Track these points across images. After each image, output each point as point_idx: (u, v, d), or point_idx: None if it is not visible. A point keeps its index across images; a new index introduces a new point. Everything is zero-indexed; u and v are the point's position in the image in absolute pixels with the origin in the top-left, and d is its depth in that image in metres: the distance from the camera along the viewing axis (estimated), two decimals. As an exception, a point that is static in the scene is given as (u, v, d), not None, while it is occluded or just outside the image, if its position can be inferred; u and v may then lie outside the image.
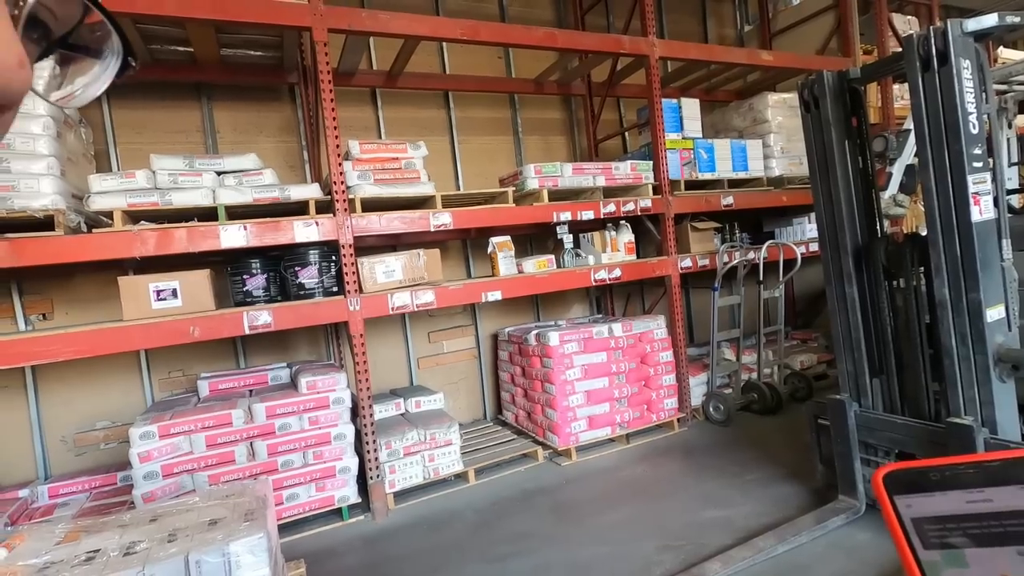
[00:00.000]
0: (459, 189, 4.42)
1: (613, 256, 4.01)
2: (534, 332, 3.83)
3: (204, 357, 3.71)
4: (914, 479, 0.29)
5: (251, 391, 3.36)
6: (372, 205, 3.25)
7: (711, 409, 4.08)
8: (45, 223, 2.56)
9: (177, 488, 2.76)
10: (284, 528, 2.87)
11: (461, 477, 3.44)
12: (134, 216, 2.83)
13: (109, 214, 2.74)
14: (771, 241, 4.22)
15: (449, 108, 4.54)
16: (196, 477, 2.79)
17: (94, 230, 2.70)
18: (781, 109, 4.65)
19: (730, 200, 4.24)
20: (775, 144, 4.62)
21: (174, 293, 2.83)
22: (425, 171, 3.41)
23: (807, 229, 4.82)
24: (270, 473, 2.88)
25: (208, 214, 2.95)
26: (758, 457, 3.32)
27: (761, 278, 4.06)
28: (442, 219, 3.30)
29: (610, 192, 3.98)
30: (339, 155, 3.05)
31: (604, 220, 4.00)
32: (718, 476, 3.17)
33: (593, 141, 4.93)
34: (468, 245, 4.57)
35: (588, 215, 3.76)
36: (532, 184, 3.65)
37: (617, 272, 3.81)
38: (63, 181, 2.65)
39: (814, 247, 4.40)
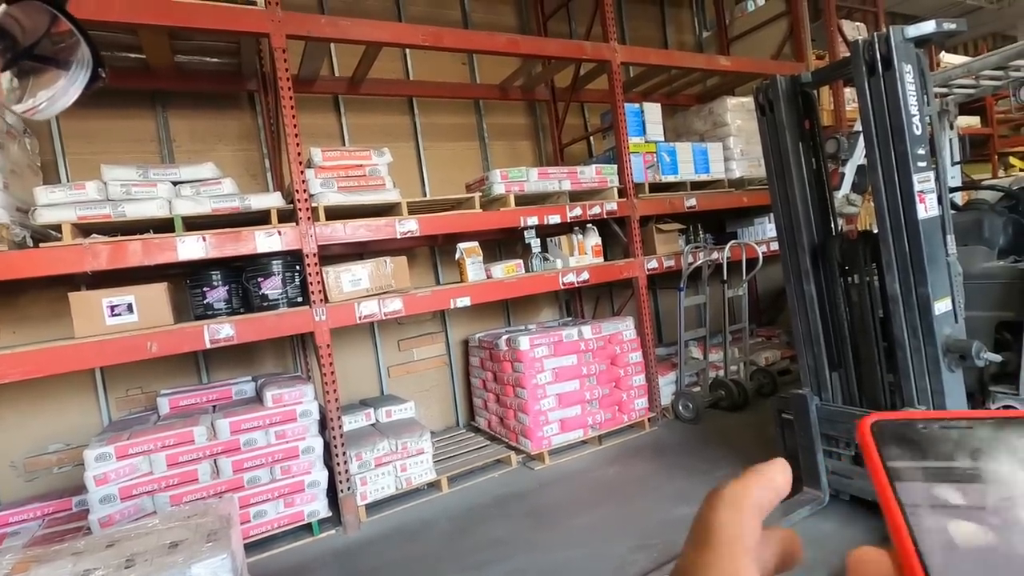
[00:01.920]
0: (426, 195, 4.40)
1: (581, 259, 4.05)
2: (504, 337, 3.83)
3: (164, 373, 3.59)
4: (900, 430, 0.29)
5: (214, 407, 3.26)
6: (336, 213, 3.21)
7: (680, 408, 4.14)
8: (-13, 238, 2.44)
9: (137, 511, 2.65)
10: (252, 546, 2.80)
11: (434, 486, 3.40)
12: (85, 229, 2.72)
13: (58, 227, 2.62)
14: (734, 241, 4.33)
15: (414, 114, 4.51)
16: (157, 499, 2.69)
17: (41, 244, 2.59)
18: (740, 112, 4.78)
19: (693, 202, 4.33)
20: (735, 147, 4.74)
21: (129, 308, 2.73)
22: (390, 178, 3.38)
23: (768, 229, 4.95)
24: (236, 491, 2.79)
25: (165, 226, 2.86)
26: (727, 453, 3.38)
27: (725, 277, 4.16)
28: (408, 226, 3.27)
29: (576, 196, 4.02)
30: (301, 163, 3.00)
31: (571, 224, 4.03)
32: (689, 474, 3.21)
33: (558, 146, 4.97)
34: (436, 252, 4.54)
35: (555, 219, 3.79)
36: (499, 189, 3.66)
37: (585, 275, 3.84)
38: (6, 194, 2.53)
39: (775, 246, 4.52)
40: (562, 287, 3.79)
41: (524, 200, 3.79)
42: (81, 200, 2.68)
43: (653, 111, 4.37)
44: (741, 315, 4.34)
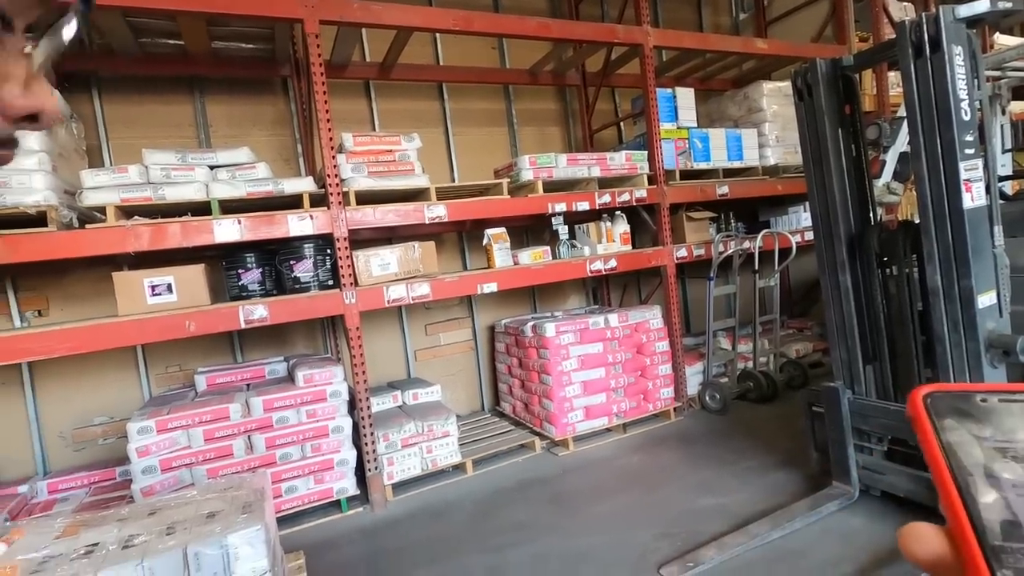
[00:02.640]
0: (454, 181, 4.41)
1: (609, 247, 4.02)
2: (531, 323, 3.84)
3: (201, 352, 3.72)
4: (956, 402, 0.26)
5: (248, 385, 3.37)
6: (366, 198, 3.25)
7: (707, 398, 4.10)
8: (37, 219, 2.55)
9: (176, 482, 2.77)
10: (283, 520, 2.89)
11: (459, 468, 3.46)
12: (127, 211, 2.82)
13: (102, 209, 2.73)
14: (766, 230, 4.23)
15: (443, 100, 4.52)
16: (195, 471, 2.80)
17: (87, 226, 2.69)
18: (776, 97, 4.64)
19: (725, 190, 4.24)
20: (770, 133, 4.61)
21: (169, 288, 2.83)
22: (419, 163, 3.40)
23: (803, 218, 4.82)
24: (268, 466, 2.89)
25: (202, 208, 2.94)
26: (754, 445, 3.34)
27: (756, 267, 4.07)
28: (436, 211, 3.29)
29: (605, 183, 3.98)
30: (333, 148, 3.04)
31: (599, 211, 4.00)
32: (714, 464, 3.19)
33: (588, 132, 4.91)
34: (464, 238, 4.56)
35: (583, 206, 3.76)
36: (527, 175, 3.64)
37: (613, 263, 3.81)
38: (55, 177, 2.64)
39: (810, 236, 4.40)
40: (589, 274, 3.77)
41: (552, 186, 3.77)
42: (124, 183, 2.78)
43: (686, 96, 4.28)
44: (772, 306, 4.25)
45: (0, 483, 3.18)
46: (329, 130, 3.01)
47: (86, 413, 3.47)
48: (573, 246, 3.95)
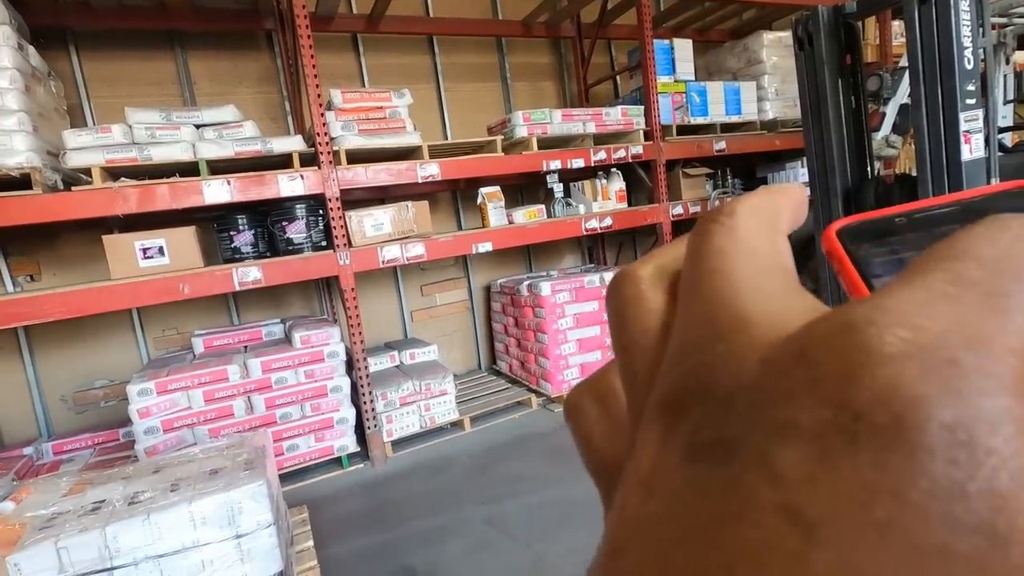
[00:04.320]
0: (447, 138, 4.33)
1: (604, 205, 3.98)
2: (526, 283, 3.85)
3: (198, 314, 3.72)
4: (876, 228, 0.24)
5: (246, 347, 3.38)
6: (358, 157, 3.18)
7: (701, 354, 4.15)
8: (22, 182, 2.50)
9: (178, 442, 2.82)
10: (286, 477, 2.96)
11: (457, 425, 3.53)
12: (113, 173, 2.77)
13: (87, 171, 2.67)
14: (764, 187, 4.19)
15: (434, 54, 4.38)
16: (196, 431, 2.85)
17: (73, 188, 2.65)
18: (776, 48, 4.52)
19: (723, 145, 4.18)
20: (769, 86, 4.51)
21: (160, 251, 2.81)
22: (411, 120, 3.32)
23: (800, 174, 4.77)
24: (269, 425, 2.94)
25: (189, 170, 2.88)
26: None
27: (752, 224, 4.05)
28: (429, 170, 3.24)
29: (601, 139, 3.91)
30: (321, 105, 2.96)
31: (595, 168, 3.94)
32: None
33: (584, 86, 4.79)
34: (458, 197, 4.51)
35: (579, 163, 3.71)
36: (521, 132, 3.57)
37: (608, 221, 3.79)
38: (36, 137, 2.57)
39: (807, 192, 4.38)
40: (585, 233, 3.75)
41: (547, 143, 3.70)
42: (108, 144, 2.71)
43: (684, 48, 4.16)
44: (767, 263, 4.25)
45: (6, 446, 3.23)
46: (317, 86, 2.93)
47: (87, 376, 3.50)
48: (568, 204, 3.92)
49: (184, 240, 2.87)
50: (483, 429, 3.51)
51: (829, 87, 2.47)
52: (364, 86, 4.10)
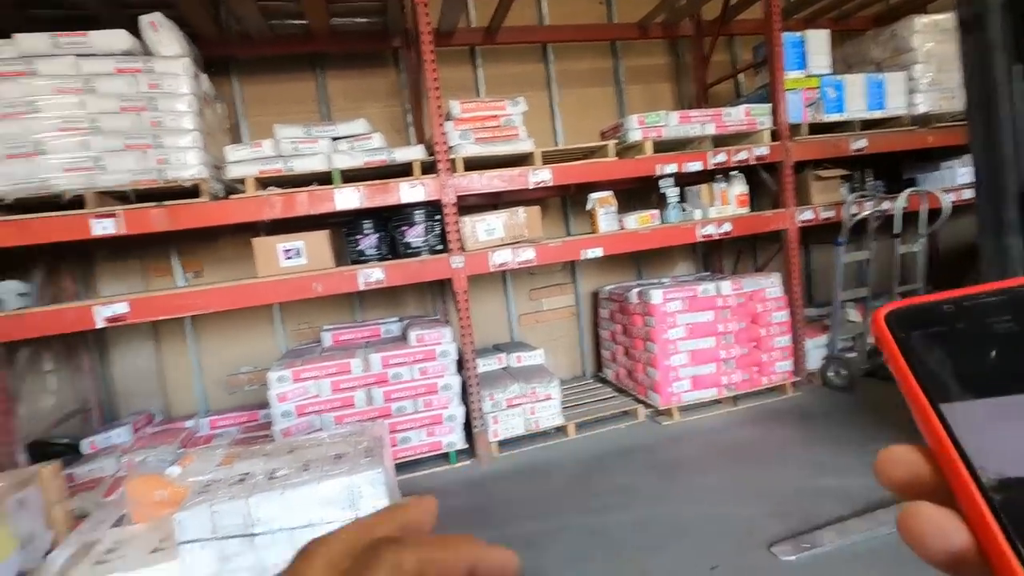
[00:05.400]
0: (557, 144, 4.35)
1: (723, 210, 3.77)
2: (636, 290, 3.75)
3: (327, 310, 4.07)
4: (924, 315, 0.25)
5: (367, 343, 3.64)
6: (473, 164, 3.31)
7: (831, 374, 3.78)
8: (191, 191, 2.90)
9: (308, 426, 3.10)
10: (398, 467, 3.13)
11: (561, 431, 3.52)
12: (263, 182, 3.11)
13: (242, 181, 3.03)
14: (912, 189, 3.73)
15: (547, 61, 4.43)
16: (323, 417, 3.11)
17: (231, 196, 3.02)
18: (931, 33, 4.01)
19: (862, 144, 3.78)
20: (921, 76, 4.01)
21: (299, 252, 3.11)
22: (524, 128, 3.38)
23: (958, 174, 4.18)
24: (385, 417, 3.14)
25: (324, 178, 3.17)
26: (880, 427, 3.04)
27: (898, 230, 3.62)
28: (541, 176, 3.28)
29: (720, 141, 3.72)
30: (441, 116, 3.11)
31: (712, 171, 3.75)
32: (834, 444, 2.96)
33: (702, 86, 4.58)
34: (567, 202, 4.52)
35: (695, 166, 3.55)
36: (635, 136, 3.50)
37: (727, 227, 3.58)
38: (205, 153, 2.96)
39: (968, 194, 3.83)
40: (700, 239, 3.58)
41: (662, 146, 3.59)
42: (260, 157, 3.06)
43: (818, 40, 3.83)
44: (916, 274, 3.78)
45: (173, 419, 3.76)
46: (437, 98, 3.09)
47: (236, 363, 3.97)
48: (683, 209, 3.76)
49: (319, 243, 3.16)
50: (587, 437, 3.47)
51: (1001, 75, 2.13)
52: (479, 96, 4.25)
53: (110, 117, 2.75)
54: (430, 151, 3.26)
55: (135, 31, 2.81)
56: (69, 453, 3.17)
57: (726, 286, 3.64)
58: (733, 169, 3.73)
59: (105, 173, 2.75)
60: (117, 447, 3.22)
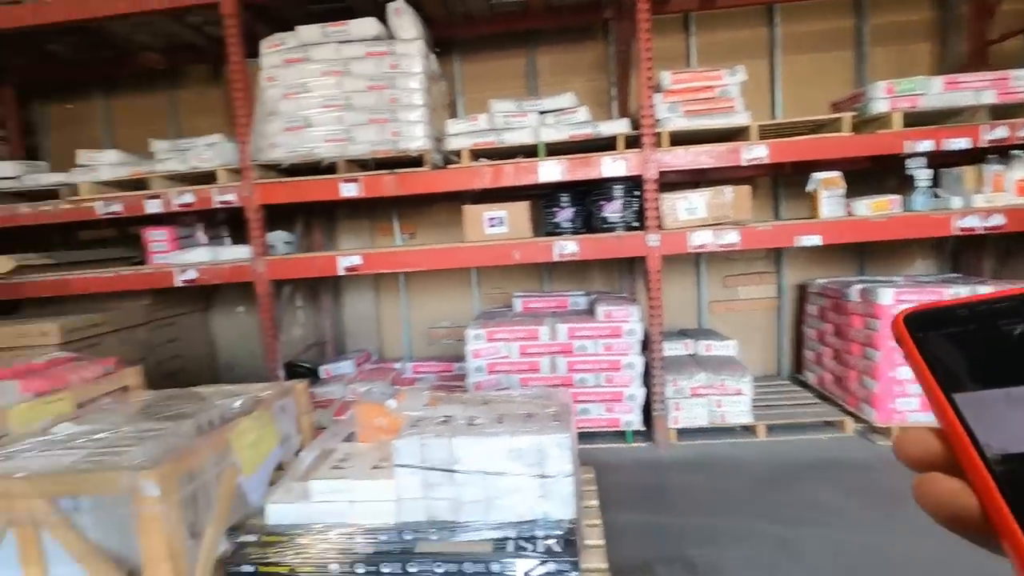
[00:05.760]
0: (774, 118, 3.92)
1: (993, 198, 3.04)
2: (858, 286, 3.26)
3: (517, 278, 4.30)
4: (940, 318, 0.28)
5: (554, 313, 3.75)
6: (679, 139, 3.15)
7: None
8: (416, 161, 3.24)
9: (496, 384, 3.33)
10: (577, 437, 3.22)
11: (749, 430, 3.26)
12: (476, 154, 3.35)
13: (457, 153, 3.30)
14: None
15: (772, 24, 3.98)
16: (510, 377, 3.31)
17: (448, 166, 3.31)
18: None
19: None
20: None
21: (501, 221, 3.30)
22: (741, 99, 3.11)
23: None
24: (567, 386, 3.22)
25: (528, 151, 3.29)
26: None
27: None
28: (756, 152, 2.99)
29: (1001, 112, 2.99)
30: (651, 87, 3.01)
31: (984, 150, 3.04)
32: None
33: (980, 43, 3.70)
34: (778, 183, 4.07)
35: (959, 144, 2.91)
36: (879, 107, 2.98)
37: (997, 219, 2.90)
38: (430, 126, 3.28)
39: None
40: (956, 233, 2.95)
41: (913, 119, 3.01)
42: (474, 130, 3.29)
43: None
44: None
45: (385, 359, 4.34)
46: (649, 68, 2.98)
47: (436, 317, 4.42)
48: (935, 196, 3.13)
49: (520, 213, 3.32)
50: (779, 442, 3.16)
51: None
52: (689, 66, 4.00)
53: (360, 95, 3.19)
54: (634, 125, 3.18)
55: (381, 18, 3.20)
56: (310, 375, 3.87)
57: (984, 291, 2.95)
58: (1018, 147, 2.98)
59: (353, 144, 3.22)
60: (344, 376, 3.83)
